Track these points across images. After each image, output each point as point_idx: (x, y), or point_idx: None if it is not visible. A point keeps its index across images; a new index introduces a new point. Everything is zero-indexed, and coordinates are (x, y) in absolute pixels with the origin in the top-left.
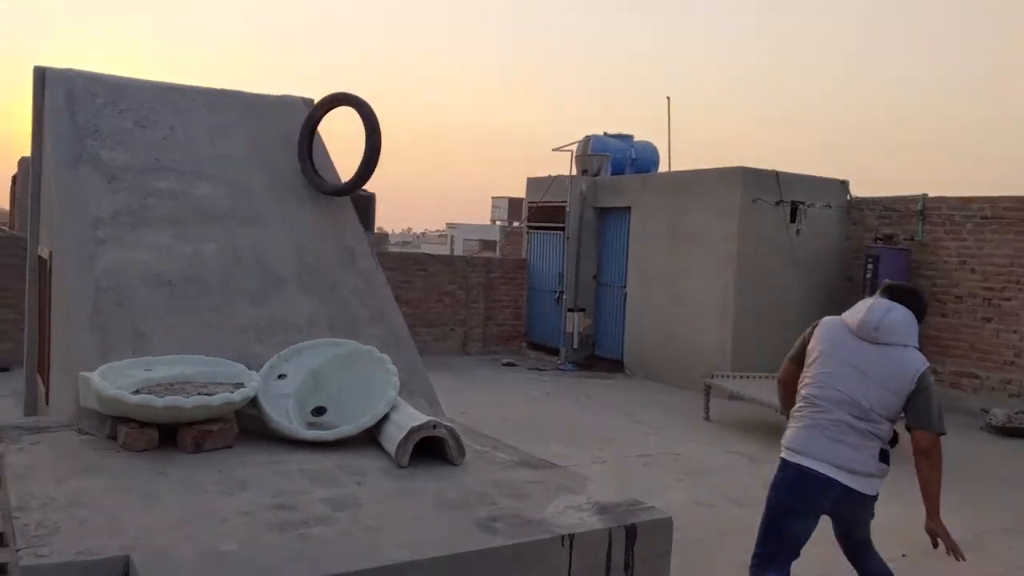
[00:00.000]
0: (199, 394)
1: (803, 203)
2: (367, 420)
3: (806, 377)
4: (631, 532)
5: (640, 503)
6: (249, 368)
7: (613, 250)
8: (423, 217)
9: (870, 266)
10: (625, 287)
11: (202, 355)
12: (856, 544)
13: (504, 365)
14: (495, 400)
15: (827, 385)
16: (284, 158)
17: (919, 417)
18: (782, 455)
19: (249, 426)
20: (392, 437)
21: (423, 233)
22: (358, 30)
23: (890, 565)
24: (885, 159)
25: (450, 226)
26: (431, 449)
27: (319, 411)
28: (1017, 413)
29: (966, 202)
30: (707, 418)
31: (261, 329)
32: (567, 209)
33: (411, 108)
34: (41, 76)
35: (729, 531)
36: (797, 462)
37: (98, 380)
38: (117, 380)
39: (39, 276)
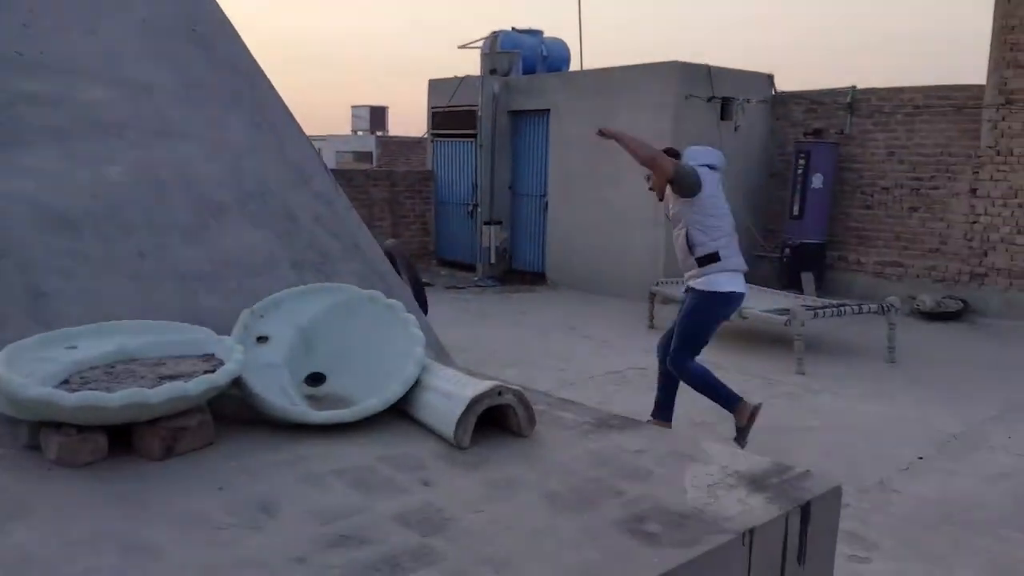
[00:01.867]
0: (162, 378)
1: (734, 99)
2: (398, 388)
3: (710, 216)
4: (806, 512)
5: (790, 468)
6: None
7: (530, 157)
8: None
9: (802, 161)
10: (545, 196)
11: (138, 318)
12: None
13: None
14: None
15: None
16: (192, 50)
17: None
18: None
19: (222, 409)
20: (442, 410)
21: None
22: None
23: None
24: (807, 52)
25: (311, 138)
26: (480, 416)
27: (316, 379)
28: (944, 298)
29: (896, 92)
30: (652, 326)
31: (207, 275)
32: (478, 113)
33: (261, 13)
34: None
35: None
36: (741, 291)
37: (5, 374)
38: (30, 367)
39: None
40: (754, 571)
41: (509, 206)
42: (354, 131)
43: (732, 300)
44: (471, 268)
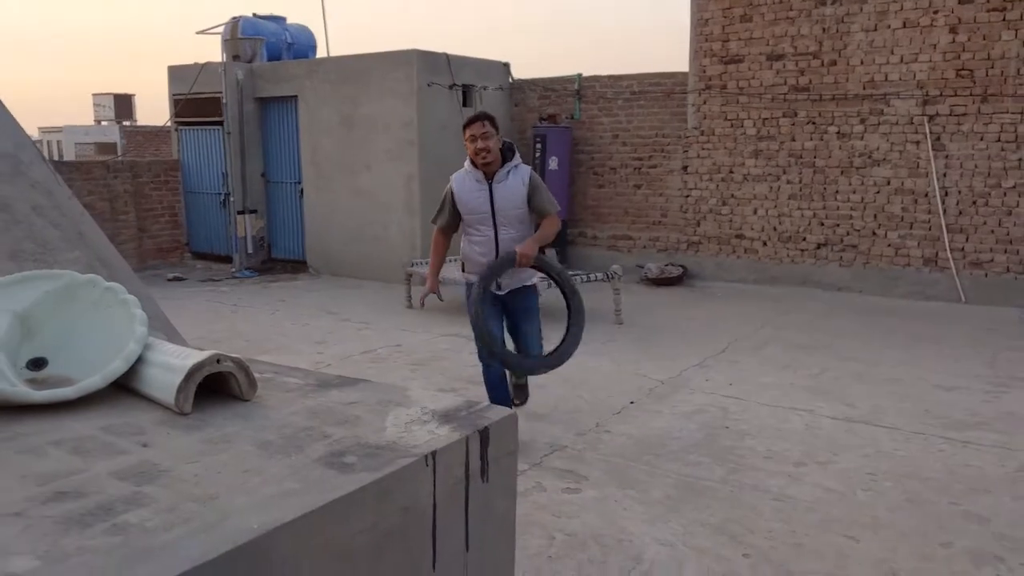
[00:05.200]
0: None
1: (474, 86)
2: (119, 365)
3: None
4: (485, 436)
5: (477, 403)
6: None
7: (281, 144)
8: None
9: (539, 145)
10: (300, 183)
11: None
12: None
13: (171, 280)
14: (179, 322)
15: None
16: None
17: None
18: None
19: None
20: (163, 382)
21: None
22: None
23: (617, 413)
24: (541, 39)
25: (46, 131)
26: (207, 387)
27: (37, 364)
28: (667, 265)
29: (616, 80)
30: (409, 306)
31: None
32: (223, 100)
33: None
34: None
35: None
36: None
37: None
38: None
39: None
40: (440, 487)
41: (263, 194)
42: (97, 121)
43: None
44: (228, 260)
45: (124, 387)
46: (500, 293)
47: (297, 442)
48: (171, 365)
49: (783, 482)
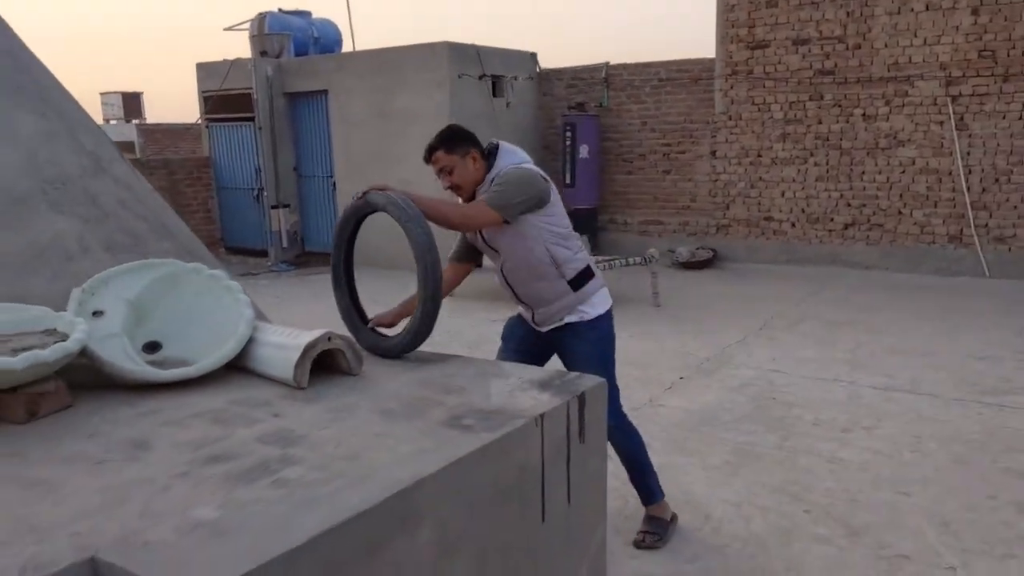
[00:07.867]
0: (15, 350)
1: (503, 76)
2: (233, 346)
3: (565, 225)
4: (582, 401)
5: (568, 373)
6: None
7: (312, 139)
8: None
9: (568, 133)
10: (332, 177)
11: None
12: None
13: None
14: None
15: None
16: None
17: None
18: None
19: (71, 378)
20: (279, 359)
21: None
22: None
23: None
24: (568, 28)
25: None
26: (314, 364)
27: (152, 347)
28: (697, 248)
29: (643, 67)
30: (451, 294)
31: (24, 263)
32: (254, 96)
33: None
34: None
35: None
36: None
37: None
38: None
39: None
40: (547, 447)
41: (296, 188)
42: (106, 120)
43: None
44: (263, 254)
45: (235, 366)
46: (539, 329)
47: (416, 408)
48: (285, 344)
49: (834, 446)
